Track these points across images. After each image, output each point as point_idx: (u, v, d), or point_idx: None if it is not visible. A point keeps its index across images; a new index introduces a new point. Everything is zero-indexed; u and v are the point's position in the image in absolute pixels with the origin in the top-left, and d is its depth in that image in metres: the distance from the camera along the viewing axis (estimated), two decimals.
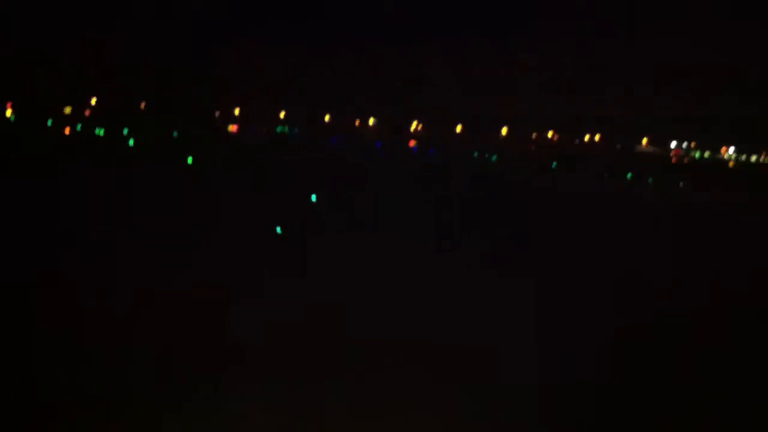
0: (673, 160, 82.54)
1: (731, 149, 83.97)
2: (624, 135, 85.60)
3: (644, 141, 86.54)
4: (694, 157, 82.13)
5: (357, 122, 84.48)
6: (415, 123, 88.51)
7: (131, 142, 51.29)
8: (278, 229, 25.71)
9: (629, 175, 65.77)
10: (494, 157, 71.19)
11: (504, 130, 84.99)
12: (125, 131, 52.70)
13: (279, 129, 68.56)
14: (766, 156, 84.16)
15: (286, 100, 76.05)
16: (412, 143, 74.20)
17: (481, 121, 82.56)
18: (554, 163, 69.82)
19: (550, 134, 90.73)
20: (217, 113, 66.16)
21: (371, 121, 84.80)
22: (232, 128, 62.97)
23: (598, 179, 62.88)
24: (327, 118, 75.94)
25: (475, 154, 70.09)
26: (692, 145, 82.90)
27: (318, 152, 62.92)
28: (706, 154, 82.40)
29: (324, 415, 10.08)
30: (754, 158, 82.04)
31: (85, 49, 73.28)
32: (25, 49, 72.89)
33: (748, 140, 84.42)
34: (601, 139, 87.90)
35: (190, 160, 44.68)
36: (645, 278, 23.43)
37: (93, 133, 53.49)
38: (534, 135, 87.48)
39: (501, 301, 17.88)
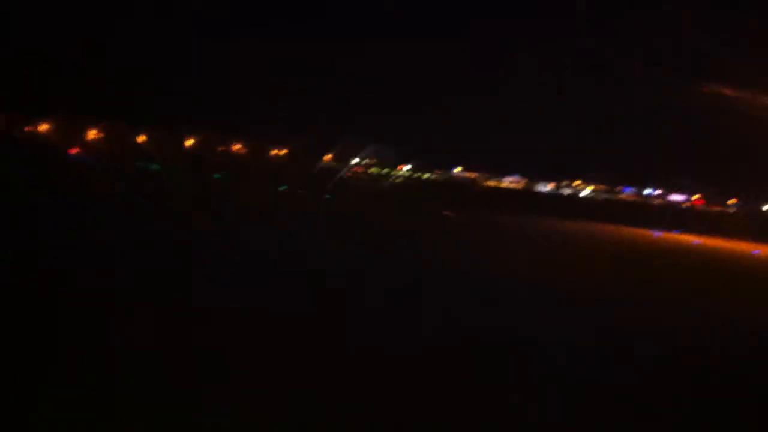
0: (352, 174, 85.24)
1: (406, 167, 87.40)
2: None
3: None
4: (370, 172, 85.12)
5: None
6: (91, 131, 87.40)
7: None
8: None
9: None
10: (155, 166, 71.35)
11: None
12: None
13: None
14: (438, 173, 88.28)
15: None
16: (73, 150, 73.44)
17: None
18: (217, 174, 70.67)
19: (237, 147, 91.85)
20: None
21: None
22: None
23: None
24: None
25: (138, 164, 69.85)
26: (371, 161, 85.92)
27: None
28: (384, 170, 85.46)
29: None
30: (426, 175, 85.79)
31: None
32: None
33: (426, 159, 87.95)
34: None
35: None
36: None
37: None
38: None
39: None
